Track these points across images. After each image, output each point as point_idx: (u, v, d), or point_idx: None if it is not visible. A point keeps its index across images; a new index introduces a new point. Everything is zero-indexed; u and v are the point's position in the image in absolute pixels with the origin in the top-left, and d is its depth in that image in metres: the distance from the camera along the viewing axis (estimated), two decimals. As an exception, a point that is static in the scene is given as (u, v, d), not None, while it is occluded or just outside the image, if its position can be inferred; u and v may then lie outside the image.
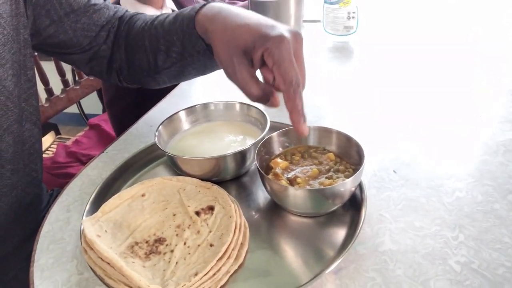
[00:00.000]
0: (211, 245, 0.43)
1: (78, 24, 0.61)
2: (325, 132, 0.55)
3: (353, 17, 0.98)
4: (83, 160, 1.20)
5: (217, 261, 0.41)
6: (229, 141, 0.60)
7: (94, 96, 1.70)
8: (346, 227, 0.47)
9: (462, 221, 0.46)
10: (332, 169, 0.50)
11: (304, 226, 0.49)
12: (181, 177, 0.54)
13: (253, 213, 0.52)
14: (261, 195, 0.55)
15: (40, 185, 0.68)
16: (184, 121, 0.63)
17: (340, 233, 0.47)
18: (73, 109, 1.68)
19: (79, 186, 0.59)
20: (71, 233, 0.51)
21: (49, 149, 1.50)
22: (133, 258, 0.43)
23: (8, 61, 0.54)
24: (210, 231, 0.45)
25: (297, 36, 0.46)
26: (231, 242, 0.43)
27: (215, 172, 0.54)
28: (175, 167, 0.56)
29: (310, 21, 1.14)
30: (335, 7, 0.98)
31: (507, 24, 1.06)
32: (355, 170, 0.49)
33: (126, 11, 0.68)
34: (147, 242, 0.46)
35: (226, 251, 0.42)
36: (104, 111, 1.61)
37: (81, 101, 1.74)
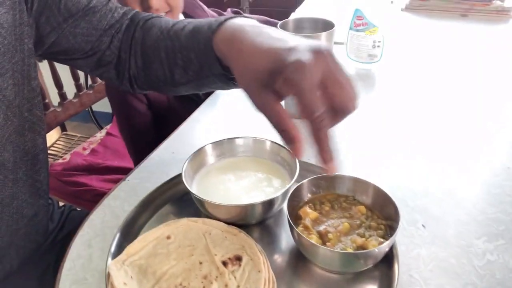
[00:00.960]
0: (240, 303, 0.43)
1: (78, 29, 0.59)
2: (355, 182, 0.54)
3: (378, 46, 0.97)
4: (98, 171, 1.19)
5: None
6: (256, 181, 0.59)
7: (106, 100, 1.69)
8: (375, 285, 0.47)
9: (494, 290, 0.46)
10: (363, 225, 0.49)
11: (331, 281, 0.48)
12: (207, 220, 0.53)
13: (277, 258, 0.52)
14: (285, 240, 0.54)
15: (45, 196, 0.67)
16: (210, 154, 0.62)
17: (369, 293, 0.46)
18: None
19: (101, 219, 0.58)
20: (94, 273, 0.50)
21: (54, 145, 1.48)
22: (160, 312, 0.42)
23: (9, 71, 0.53)
24: (238, 286, 0.45)
25: (325, 55, 0.39)
26: (261, 301, 0.42)
27: (241, 217, 0.53)
28: (201, 208, 0.55)
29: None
30: (361, 34, 0.97)
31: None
32: (388, 228, 0.49)
33: (137, 12, 0.64)
34: (173, 292, 0.45)
35: (256, 311, 0.41)
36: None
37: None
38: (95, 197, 1.09)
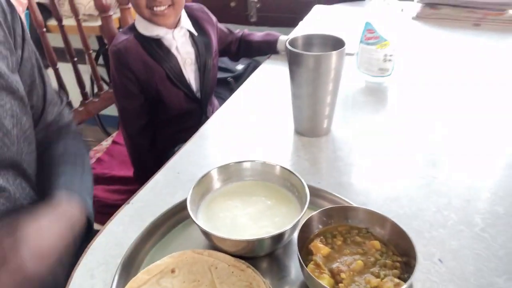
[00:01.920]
0: None
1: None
2: (369, 214, 0.51)
3: (389, 60, 0.94)
4: (104, 181, 1.17)
5: None
6: (264, 208, 0.57)
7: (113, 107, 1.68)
8: (390, 328, 0.44)
9: (518, 336, 0.43)
10: (378, 262, 0.47)
11: (344, 321, 0.45)
12: (213, 252, 0.51)
13: (286, 291, 0.49)
14: (295, 272, 0.52)
15: None
16: (216, 179, 0.60)
17: (384, 338, 0.43)
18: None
19: (104, 246, 0.56)
20: (96, 308, 0.48)
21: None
22: None
23: (7, 103, 0.57)
24: (246, 329, 0.42)
25: None
26: None
27: (248, 250, 0.51)
28: (207, 239, 0.52)
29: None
30: (372, 48, 0.94)
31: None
32: (404, 266, 0.46)
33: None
34: (178, 334, 0.43)
35: None
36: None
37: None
38: (101, 208, 1.07)
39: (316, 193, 0.60)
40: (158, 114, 1.14)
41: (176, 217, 0.58)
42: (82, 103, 1.34)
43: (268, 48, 1.18)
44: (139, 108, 1.10)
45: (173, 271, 0.49)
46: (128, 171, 1.20)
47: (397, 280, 0.44)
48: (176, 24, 1.04)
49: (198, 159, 0.74)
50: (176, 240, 0.57)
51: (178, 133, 1.12)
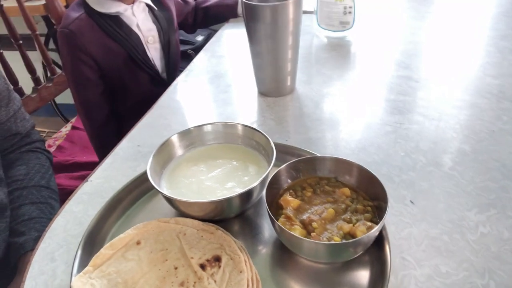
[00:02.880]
0: (222, 309, 0.39)
1: None
2: (337, 162, 0.50)
3: (349, 12, 0.92)
4: (67, 169, 1.11)
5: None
6: (230, 170, 0.54)
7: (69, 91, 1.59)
8: (367, 271, 0.43)
9: (491, 264, 0.43)
10: (349, 208, 0.46)
11: (320, 272, 0.44)
12: (180, 219, 0.48)
13: (261, 249, 0.48)
14: (268, 230, 0.50)
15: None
16: (178, 146, 0.57)
17: (361, 280, 0.42)
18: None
19: (63, 227, 0.52)
20: (59, 291, 0.45)
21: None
22: (133, 329, 0.38)
23: None
24: (219, 290, 0.41)
25: None
26: (244, 306, 0.38)
27: (217, 213, 0.48)
28: (173, 207, 0.50)
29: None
30: (331, 1, 0.91)
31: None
32: (376, 209, 0.45)
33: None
34: (148, 305, 0.40)
35: (240, 317, 0.38)
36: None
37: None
38: (65, 196, 1.02)
39: (284, 150, 0.58)
40: (119, 103, 1.04)
41: (138, 189, 0.55)
42: (34, 90, 1.26)
43: (227, 12, 1.13)
44: (99, 97, 0.99)
45: (138, 243, 0.46)
46: (91, 156, 1.15)
47: (369, 223, 0.43)
48: (133, 0, 0.94)
49: (159, 130, 0.70)
50: (141, 212, 0.54)
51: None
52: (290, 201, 0.47)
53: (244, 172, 0.54)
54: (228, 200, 0.46)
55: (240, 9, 1.09)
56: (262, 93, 0.77)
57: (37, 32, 1.25)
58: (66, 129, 1.30)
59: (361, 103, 0.73)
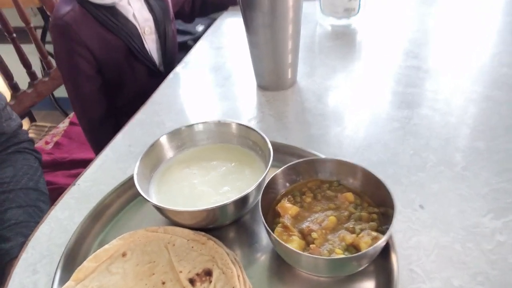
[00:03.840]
0: (211, 331, 0.35)
1: None
2: (339, 165, 0.46)
3: (354, -1, 0.86)
4: (64, 166, 1.08)
5: None
6: (225, 173, 0.50)
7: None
8: (371, 284, 0.40)
9: (509, 278, 0.39)
10: (352, 216, 0.42)
11: (321, 285, 0.41)
12: (169, 228, 0.45)
13: (258, 258, 0.44)
14: (266, 238, 0.46)
15: None
16: (168, 147, 0.53)
17: (365, 297, 0.39)
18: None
19: (47, 235, 0.49)
20: (39, 307, 0.42)
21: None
22: None
23: None
24: (209, 309, 0.37)
25: None
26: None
27: (210, 221, 0.45)
28: (162, 215, 0.46)
29: None
30: (334, -13, 0.86)
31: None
32: (382, 217, 0.41)
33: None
34: (132, 325, 0.37)
35: None
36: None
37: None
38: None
39: (283, 150, 0.54)
40: (116, 97, 1.00)
41: (127, 194, 0.52)
42: (30, 84, 1.23)
43: (226, 0, 1.08)
44: (96, 92, 0.94)
45: (124, 254, 0.43)
46: (89, 153, 1.12)
47: (374, 234, 0.39)
48: None
49: (151, 128, 0.66)
50: (130, 220, 0.50)
51: None
52: (288, 208, 0.43)
53: (240, 175, 0.50)
54: (221, 208, 0.43)
55: None
56: (261, 87, 0.73)
57: (32, 25, 1.21)
58: (63, 124, 1.27)
59: (367, 96, 0.68)
